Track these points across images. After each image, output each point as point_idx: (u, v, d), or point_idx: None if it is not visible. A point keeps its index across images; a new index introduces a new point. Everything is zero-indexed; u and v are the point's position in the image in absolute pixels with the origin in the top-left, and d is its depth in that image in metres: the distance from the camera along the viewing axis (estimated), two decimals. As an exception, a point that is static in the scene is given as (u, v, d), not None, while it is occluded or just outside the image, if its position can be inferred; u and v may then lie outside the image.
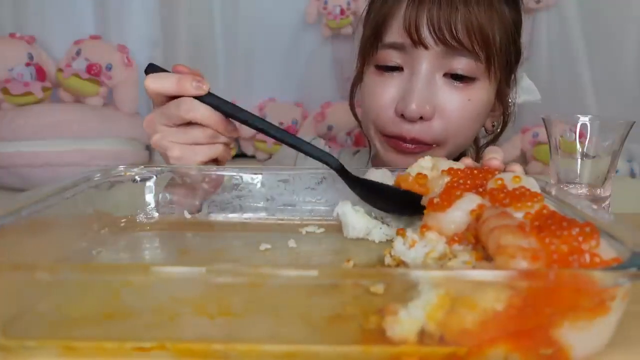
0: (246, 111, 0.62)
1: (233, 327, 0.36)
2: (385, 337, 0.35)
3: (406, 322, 0.35)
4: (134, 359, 0.35)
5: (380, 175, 0.57)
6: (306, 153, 0.58)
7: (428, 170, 0.54)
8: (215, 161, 0.64)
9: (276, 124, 0.63)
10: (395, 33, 0.71)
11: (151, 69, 0.63)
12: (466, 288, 0.35)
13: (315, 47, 1.48)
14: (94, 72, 1.39)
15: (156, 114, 0.62)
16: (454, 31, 0.67)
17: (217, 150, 0.62)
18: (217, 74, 1.47)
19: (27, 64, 1.36)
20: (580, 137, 0.62)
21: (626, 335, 0.37)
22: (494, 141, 0.83)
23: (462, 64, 0.69)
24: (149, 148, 1.50)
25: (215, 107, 0.61)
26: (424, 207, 0.48)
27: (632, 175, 1.42)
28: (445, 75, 0.70)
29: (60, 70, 1.39)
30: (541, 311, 0.34)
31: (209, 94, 0.60)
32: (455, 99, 0.70)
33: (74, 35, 1.43)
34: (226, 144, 0.64)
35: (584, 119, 0.61)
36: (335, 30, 1.43)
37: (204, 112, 0.60)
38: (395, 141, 0.73)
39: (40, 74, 1.38)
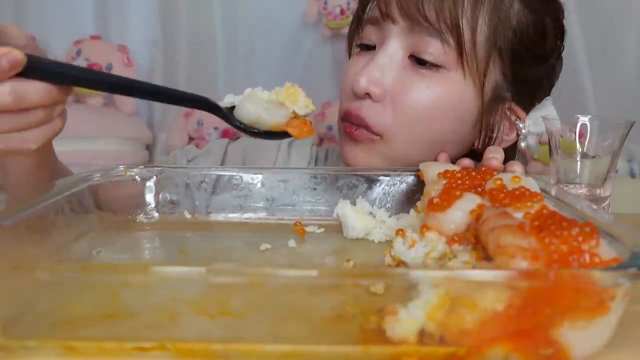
0: (85, 69, 0.55)
1: (233, 327, 0.36)
2: (385, 337, 0.35)
3: (406, 322, 0.35)
4: (134, 359, 0.35)
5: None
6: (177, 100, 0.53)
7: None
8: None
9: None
10: (373, 8, 0.67)
11: None
12: (466, 288, 0.35)
13: (315, 47, 1.48)
14: (94, 72, 1.39)
15: None
16: (421, 5, 0.62)
17: (54, 128, 0.49)
18: (217, 74, 1.47)
19: (27, 64, 1.36)
20: (580, 137, 0.62)
21: (626, 335, 0.37)
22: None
23: (427, 46, 0.63)
24: (149, 148, 1.50)
25: (46, 76, 0.46)
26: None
27: (632, 175, 1.42)
28: (411, 57, 0.64)
29: (60, 70, 1.39)
30: (541, 311, 0.34)
31: (29, 60, 0.44)
32: (411, 82, 0.64)
33: (74, 35, 1.44)
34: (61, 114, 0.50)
35: (583, 119, 0.61)
36: (335, 30, 1.44)
37: (37, 94, 0.45)
38: (344, 124, 0.68)
39: (41, 74, 1.38)
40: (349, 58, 0.74)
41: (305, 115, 0.55)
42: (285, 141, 0.82)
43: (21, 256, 0.46)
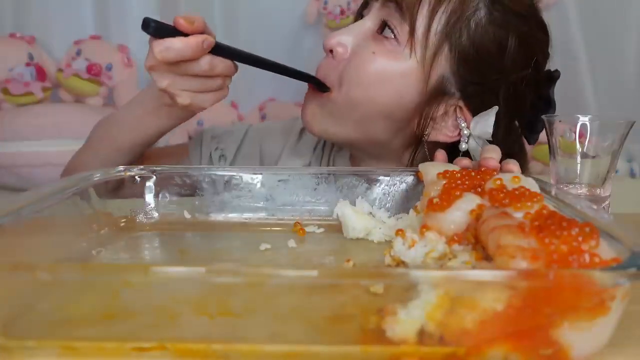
0: (251, 54, 0.68)
1: (233, 327, 0.36)
2: (385, 337, 0.35)
3: (406, 322, 0.35)
4: (134, 359, 0.35)
5: None
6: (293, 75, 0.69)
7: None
8: None
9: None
10: None
11: (146, 25, 0.64)
12: (466, 288, 0.35)
13: (315, 47, 1.48)
14: (94, 72, 1.39)
15: (169, 68, 0.63)
16: None
17: (223, 94, 0.67)
18: (217, 74, 1.47)
19: (27, 64, 1.37)
20: (580, 137, 0.62)
21: (626, 335, 0.37)
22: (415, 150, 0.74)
23: (392, 19, 0.68)
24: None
25: (225, 55, 0.65)
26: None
27: (632, 175, 1.42)
28: (378, 30, 0.70)
29: (60, 70, 1.39)
30: (541, 311, 0.34)
31: (217, 43, 0.63)
32: (363, 46, 0.70)
33: (74, 35, 1.43)
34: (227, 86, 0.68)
35: (584, 119, 0.61)
36: (335, 31, 1.44)
37: (223, 67, 0.64)
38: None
39: (41, 74, 1.38)
40: None
41: None
42: (297, 129, 0.89)
43: (21, 256, 0.46)
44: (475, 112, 0.69)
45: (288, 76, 0.71)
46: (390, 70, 0.68)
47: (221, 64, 0.64)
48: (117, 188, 0.64)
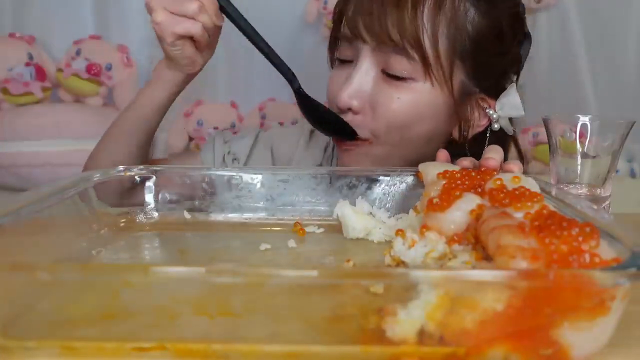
0: (239, 14, 0.69)
1: (233, 327, 0.36)
2: (385, 337, 0.35)
3: (406, 322, 0.35)
4: (134, 359, 0.35)
5: None
6: (272, 62, 0.71)
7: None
8: (192, 40, 0.70)
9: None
10: (345, 27, 0.73)
11: None
12: (466, 288, 0.35)
13: (315, 47, 1.48)
14: (94, 72, 1.39)
15: None
16: (384, 28, 0.68)
17: (196, 27, 0.67)
18: (217, 74, 1.47)
19: (27, 64, 1.36)
20: (580, 137, 0.62)
21: (626, 335, 0.37)
22: (471, 151, 0.76)
23: (394, 62, 0.69)
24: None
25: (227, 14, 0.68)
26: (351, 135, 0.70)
27: (632, 175, 1.42)
28: (383, 71, 0.71)
29: (60, 70, 1.39)
30: (541, 311, 0.34)
31: None
32: (384, 94, 0.70)
33: (74, 35, 1.43)
34: (206, 29, 0.69)
35: (584, 119, 0.61)
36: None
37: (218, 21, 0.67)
38: (334, 138, 0.77)
39: (40, 74, 1.38)
40: (332, 68, 0.80)
41: None
42: (307, 130, 0.92)
43: (21, 256, 0.46)
44: (496, 95, 0.74)
45: (272, 64, 0.73)
46: (421, 105, 0.71)
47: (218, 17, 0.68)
48: (121, 195, 0.64)
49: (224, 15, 0.70)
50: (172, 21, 0.67)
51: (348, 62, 0.74)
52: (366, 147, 0.73)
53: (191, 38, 0.69)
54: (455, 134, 0.76)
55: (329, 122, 0.73)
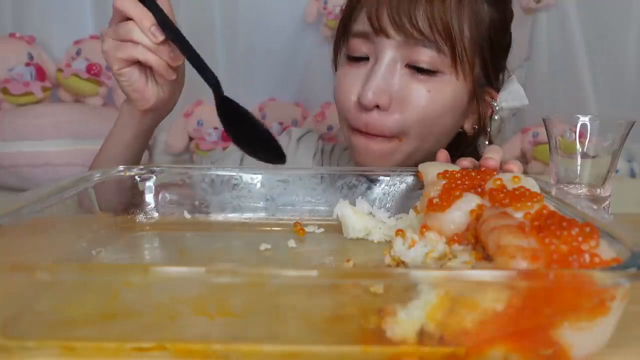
0: (171, 23, 0.65)
1: (233, 327, 0.36)
2: (385, 337, 0.35)
3: (406, 322, 0.35)
4: (134, 359, 0.35)
5: None
6: (191, 62, 0.63)
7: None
8: (146, 70, 0.67)
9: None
10: (361, 22, 0.71)
11: None
12: (466, 288, 0.35)
13: (315, 47, 1.48)
14: (94, 72, 1.39)
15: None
16: (414, 21, 0.67)
17: (137, 50, 0.63)
18: (217, 74, 1.47)
19: (27, 64, 1.37)
20: (580, 137, 0.62)
21: (626, 335, 0.37)
22: (471, 144, 0.79)
23: (423, 55, 0.68)
24: (149, 148, 1.50)
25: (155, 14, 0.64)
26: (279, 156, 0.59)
27: (632, 175, 1.42)
28: (407, 66, 0.70)
29: (60, 70, 1.39)
30: (541, 311, 0.34)
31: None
32: (413, 89, 0.69)
33: (74, 35, 1.43)
34: (155, 52, 0.64)
35: (584, 119, 0.61)
36: (335, 30, 1.44)
37: (134, 8, 0.63)
38: (358, 133, 0.73)
39: (40, 74, 1.38)
40: (336, 67, 0.79)
41: None
42: (295, 136, 0.90)
43: (21, 256, 0.46)
44: (497, 86, 0.76)
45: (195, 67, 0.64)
46: (448, 98, 0.71)
47: (134, 5, 0.63)
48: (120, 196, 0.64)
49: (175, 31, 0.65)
50: (116, 47, 0.64)
51: (362, 60, 0.72)
52: (395, 144, 0.71)
53: (147, 67, 0.66)
54: (467, 127, 0.76)
55: (257, 140, 0.62)
